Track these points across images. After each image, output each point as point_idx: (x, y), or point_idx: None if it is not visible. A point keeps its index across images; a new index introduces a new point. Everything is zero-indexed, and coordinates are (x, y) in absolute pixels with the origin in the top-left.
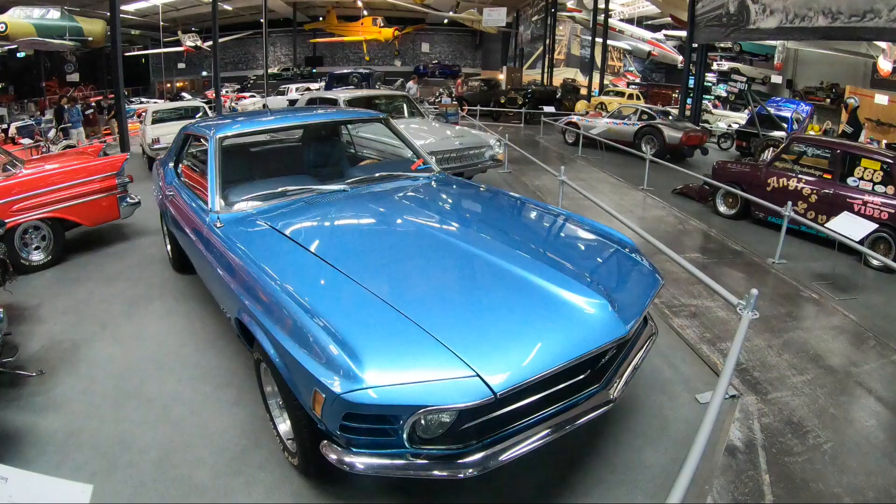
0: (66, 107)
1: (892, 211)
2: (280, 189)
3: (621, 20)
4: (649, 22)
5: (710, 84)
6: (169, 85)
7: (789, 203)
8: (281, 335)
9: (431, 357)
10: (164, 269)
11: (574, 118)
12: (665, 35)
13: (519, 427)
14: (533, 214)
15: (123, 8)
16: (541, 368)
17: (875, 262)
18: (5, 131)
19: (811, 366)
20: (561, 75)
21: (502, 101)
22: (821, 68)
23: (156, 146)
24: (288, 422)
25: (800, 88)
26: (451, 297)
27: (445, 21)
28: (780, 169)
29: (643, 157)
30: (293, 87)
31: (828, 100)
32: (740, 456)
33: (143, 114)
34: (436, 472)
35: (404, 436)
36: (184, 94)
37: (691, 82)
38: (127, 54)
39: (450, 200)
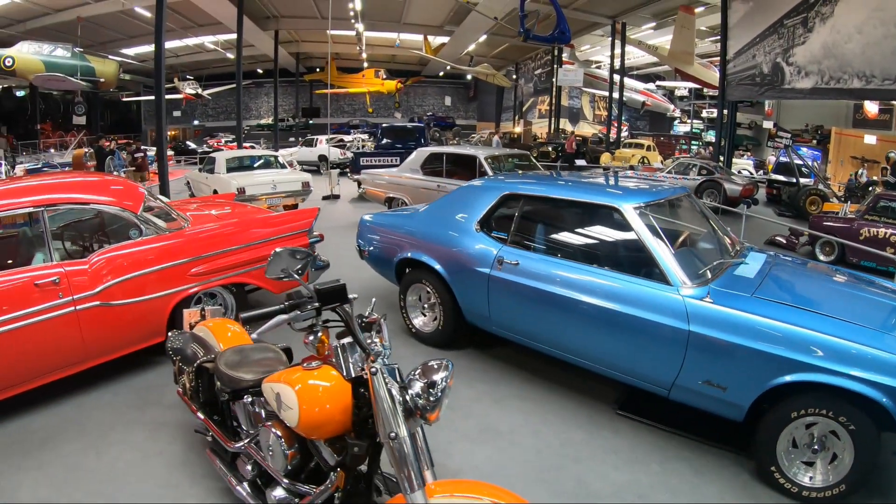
0: (112, 150)
1: None
2: (716, 262)
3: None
4: (636, 72)
5: (699, 130)
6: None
7: None
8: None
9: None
10: (410, 344)
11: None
12: (657, 86)
13: None
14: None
15: (124, 51)
16: None
17: None
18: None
19: None
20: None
21: (535, 155)
22: (804, 110)
23: (240, 197)
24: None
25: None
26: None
27: (442, 74)
28: (870, 221)
29: (738, 212)
30: (322, 138)
31: (814, 140)
32: None
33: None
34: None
35: None
36: (188, 142)
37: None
38: (124, 100)
39: (812, 269)
